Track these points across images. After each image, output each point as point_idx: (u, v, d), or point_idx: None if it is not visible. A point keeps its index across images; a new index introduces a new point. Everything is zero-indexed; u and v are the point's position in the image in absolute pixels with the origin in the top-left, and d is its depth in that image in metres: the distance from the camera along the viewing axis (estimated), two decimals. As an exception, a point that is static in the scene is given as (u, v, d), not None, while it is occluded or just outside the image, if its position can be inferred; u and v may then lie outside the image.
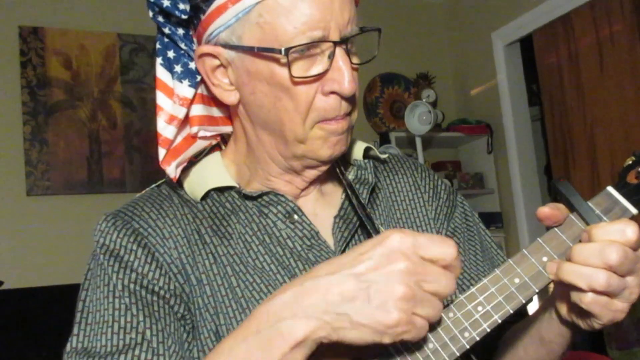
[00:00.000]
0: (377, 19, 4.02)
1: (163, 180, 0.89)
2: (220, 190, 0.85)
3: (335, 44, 0.75)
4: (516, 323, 0.89)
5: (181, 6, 0.78)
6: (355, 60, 0.79)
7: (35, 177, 3.08)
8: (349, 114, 0.80)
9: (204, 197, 0.84)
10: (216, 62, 0.80)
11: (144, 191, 0.88)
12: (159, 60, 0.83)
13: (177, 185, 0.86)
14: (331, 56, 0.75)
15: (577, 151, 3.38)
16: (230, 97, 0.82)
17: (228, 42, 0.78)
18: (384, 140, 3.72)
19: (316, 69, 0.76)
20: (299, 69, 0.75)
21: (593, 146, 3.28)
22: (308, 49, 0.75)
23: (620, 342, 2.83)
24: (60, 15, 3.24)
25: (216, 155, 0.89)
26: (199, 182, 0.85)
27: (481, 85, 4.00)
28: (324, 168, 0.84)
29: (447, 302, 0.69)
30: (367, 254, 0.60)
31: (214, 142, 0.90)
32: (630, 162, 0.73)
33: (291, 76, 0.75)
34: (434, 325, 0.67)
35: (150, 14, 0.81)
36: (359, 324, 0.58)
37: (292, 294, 0.61)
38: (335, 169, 0.89)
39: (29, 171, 3.07)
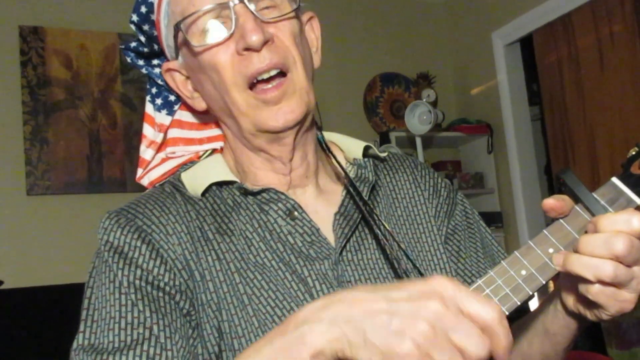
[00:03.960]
0: (377, 19, 4.02)
1: (166, 180, 0.90)
2: (221, 186, 0.86)
3: (234, 5, 0.78)
4: (518, 320, 0.89)
5: (142, 40, 0.89)
6: (274, 13, 0.81)
7: (35, 177, 3.07)
8: (282, 74, 0.81)
9: (205, 194, 0.85)
10: (182, 76, 0.87)
11: (147, 190, 0.89)
12: (147, 97, 0.95)
13: (180, 184, 0.87)
14: (232, 18, 0.78)
15: (577, 151, 3.38)
16: (200, 103, 0.88)
17: (172, 51, 0.86)
18: (384, 140, 3.72)
19: (223, 35, 0.79)
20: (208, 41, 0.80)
21: (593, 146, 3.28)
22: (212, 18, 0.79)
23: (620, 342, 2.83)
24: (61, 15, 3.24)
25: (217, 155, 0.91)
26: (200, 179, 0.86)
27: (481, 85, 4.00)
28: (287, 140, 0.84)
29: None
30: (408, 287, 0.58)
31: (187, 159, 0.95)
32: (634, 152, 0.73)
33: (191, 47, 0.80)
34: None
35: (128, 59, 0.92)
36: (372, 343, 0.56)
37: (324, 302, 0.60)
38: (335, 167, 0.89)
39: (29, 171, 3.07)
